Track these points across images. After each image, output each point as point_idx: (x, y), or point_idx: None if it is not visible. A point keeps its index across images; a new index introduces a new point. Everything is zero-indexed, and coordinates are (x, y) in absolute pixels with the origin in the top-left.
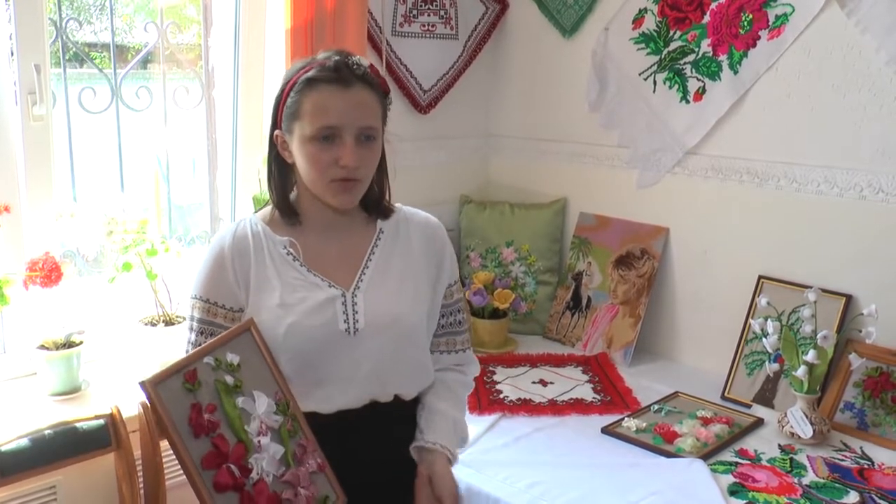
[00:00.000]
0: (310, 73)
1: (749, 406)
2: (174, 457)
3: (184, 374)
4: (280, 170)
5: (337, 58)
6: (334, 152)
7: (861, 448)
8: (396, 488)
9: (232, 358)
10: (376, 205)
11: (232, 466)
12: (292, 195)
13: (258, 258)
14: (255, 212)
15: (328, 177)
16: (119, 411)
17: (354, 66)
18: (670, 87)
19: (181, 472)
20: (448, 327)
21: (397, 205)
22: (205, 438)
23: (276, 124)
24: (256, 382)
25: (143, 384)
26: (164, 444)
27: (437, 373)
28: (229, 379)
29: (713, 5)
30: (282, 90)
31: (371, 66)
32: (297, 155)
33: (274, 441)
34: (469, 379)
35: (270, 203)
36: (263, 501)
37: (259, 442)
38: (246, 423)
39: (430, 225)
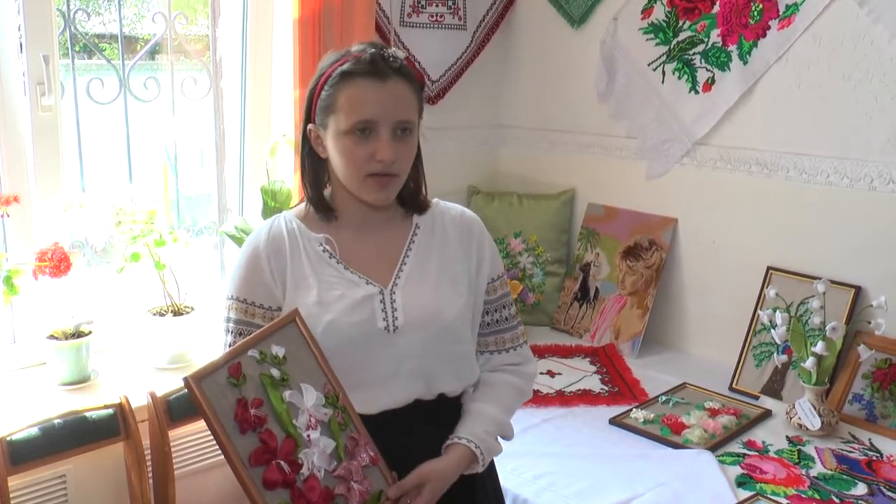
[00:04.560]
0: (345, 67)
1: (757, 397)
2: (182, 446)
3: (228, 368)
4: (314, 165)
5: (372, 50)
6: (370, 147)
7: (869, 440)
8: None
9: (277, 350)
10: (412, 199)
11: (281, 462)
12: (327, 191)
13: (294, 256)
14: (290, 209)
15: (364, 172)
16: (128, 401)
17: (391, 59)
18: (679, 78)
19: (189, 461)
20: (494, 325)
21: (434, 199)
22: (252, 434)
23: (309, 118)
24: (304, 375)
25: (186, 380)
26: (173, 433)
27: (487, 374)
28: (275, 372)
29: None
30: (315, 83)
31: (407, 58)
32: (332, 149)
33: (324, 435)
34: (522, 381)
35: (304, 200)
36: (316, 497)
37: (309, 436)
38: (294, 418)
39: (466, 219)
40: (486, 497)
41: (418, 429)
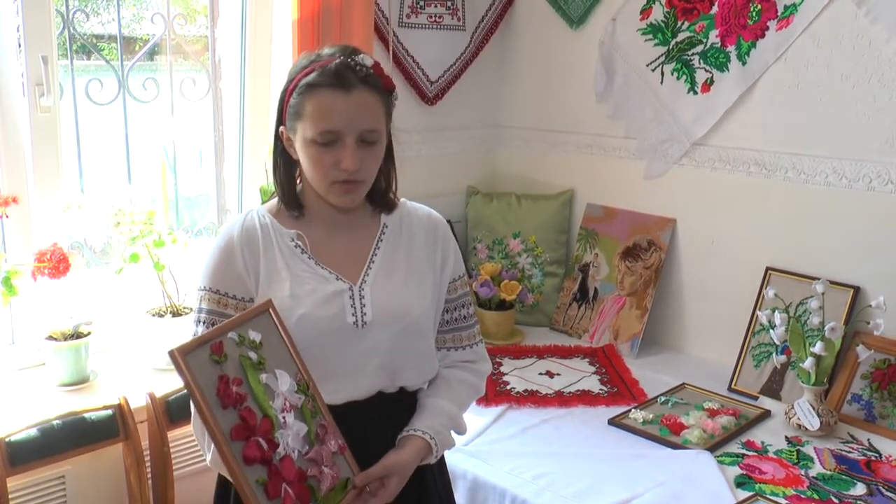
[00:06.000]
0: (309, 78)
1: (756, 398)
2: (181, 447)
3: (210, 346)
4: (286, 164)
5: (340, 59)
6: (335, 155)
7: (868, 440)
8: None
9: (254, 336)
10: (382, 198)
11: (260, 440)
12: (298, 187)
13: (267, 249)
14: (262, 204)
15: (330, 179)
16: (127, 402)
17: (357, 68)
18: (678, 78)
19: (188, 462)
20: (453, 323)
21: (401, 199)
22: (232, 410)
23: (281, 120)
24: (278, 362)
25: (171, 353)
26: (172, 434)
27: (442, 370)
28: (253, 355)
29: None
30: (285, 88)
31: (376, 64)
32: (300, 154)
33: (297, 419)
34: (476, 379)
35: (276, 196)
36: (291, 476)
37: (284, 418)
38: (270, 399)
39: (433, 219)
40: (435, 487)
41: (378, 419)
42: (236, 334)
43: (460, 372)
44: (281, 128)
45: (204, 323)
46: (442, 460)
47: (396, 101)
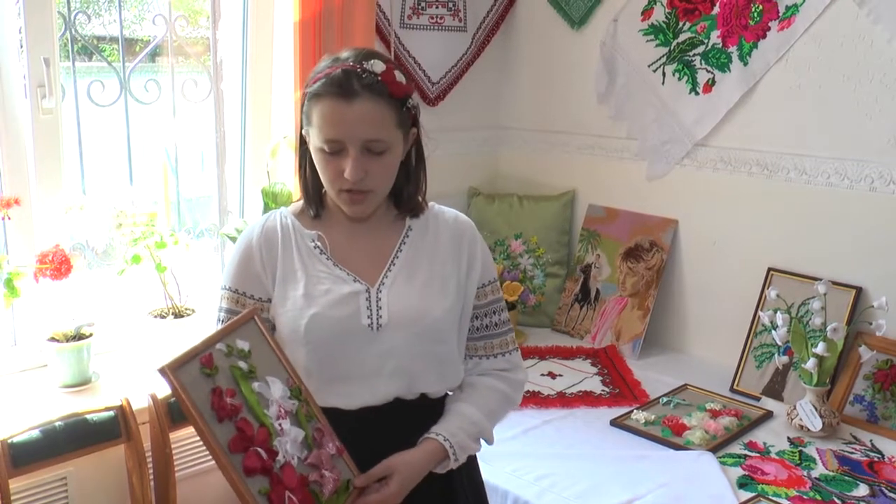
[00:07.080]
0: (314, 87)
1: (758, 398)
2: (183, 448)
3: (200, 359)
4: (311, 164)
5: (350, 65)
6: (340, 164)
7: (871, 441)
8: (419, 487)
9: (242, 345)
10: (408, 202)
11: (259, 450)
12: (323, 189)
13: (286, 250)
14: (289, 205)
15: (336, 187)
16: (129, 403)
17: (364, 75)
18: (679, 79)
19: (190, 463)
20: (483, 329)
21: (431, 203)
22: (228, 422)
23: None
24: (267, 369)
25: (162, 370)
26: (174, 435)
27: (473, 377)
28: (243, 365)
29: None
30: (303, 92)
31: (387, 70)
32: (314, 160)
33: (293, 425)
34: (508, 387)
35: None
36: (293, 483)
37: (280, 426)
38: (265, 408)
39: (460, 222)
40: (462, 490)
41: (397, 427)
42: (224, 345)
43: (491, 380)
44: (304, 129)
45: (223, 322)
46: (474, 464)
47: (413, 105)
